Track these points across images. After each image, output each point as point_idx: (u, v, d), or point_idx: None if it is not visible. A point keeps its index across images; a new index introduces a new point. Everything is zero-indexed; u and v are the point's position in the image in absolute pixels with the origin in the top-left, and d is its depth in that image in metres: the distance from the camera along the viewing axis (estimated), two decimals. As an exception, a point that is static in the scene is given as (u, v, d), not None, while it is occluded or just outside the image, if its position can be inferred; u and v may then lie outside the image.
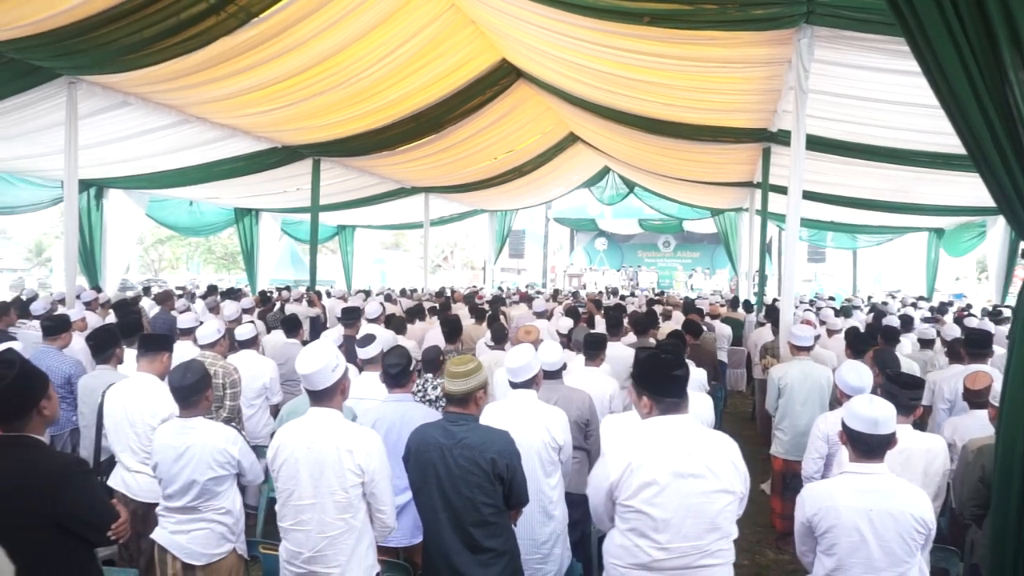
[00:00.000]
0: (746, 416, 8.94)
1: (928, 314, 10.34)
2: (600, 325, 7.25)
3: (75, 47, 6.16)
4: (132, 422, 3.56)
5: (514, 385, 3.22)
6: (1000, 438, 2.10)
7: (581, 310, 8.92)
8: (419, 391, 3.93)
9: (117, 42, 6.16)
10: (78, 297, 7.84)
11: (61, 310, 6.76)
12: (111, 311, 8.00)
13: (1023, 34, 1.74)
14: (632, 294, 16.69)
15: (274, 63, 7.32)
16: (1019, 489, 2.01)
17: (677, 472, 2.35)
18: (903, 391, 2.99)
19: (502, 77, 9.96)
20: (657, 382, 2.45)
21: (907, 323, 7.61)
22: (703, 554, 2.36)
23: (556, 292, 16.62)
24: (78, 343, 5.16)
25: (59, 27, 5.77)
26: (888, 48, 5.14)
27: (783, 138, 8.22)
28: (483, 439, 2.64)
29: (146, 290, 14.06)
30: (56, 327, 4.85)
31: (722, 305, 11.85)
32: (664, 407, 2.44)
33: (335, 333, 5.58)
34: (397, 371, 3.32)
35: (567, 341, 5.62)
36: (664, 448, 2.38)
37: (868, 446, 2.41)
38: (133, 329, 4.96)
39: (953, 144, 6.92)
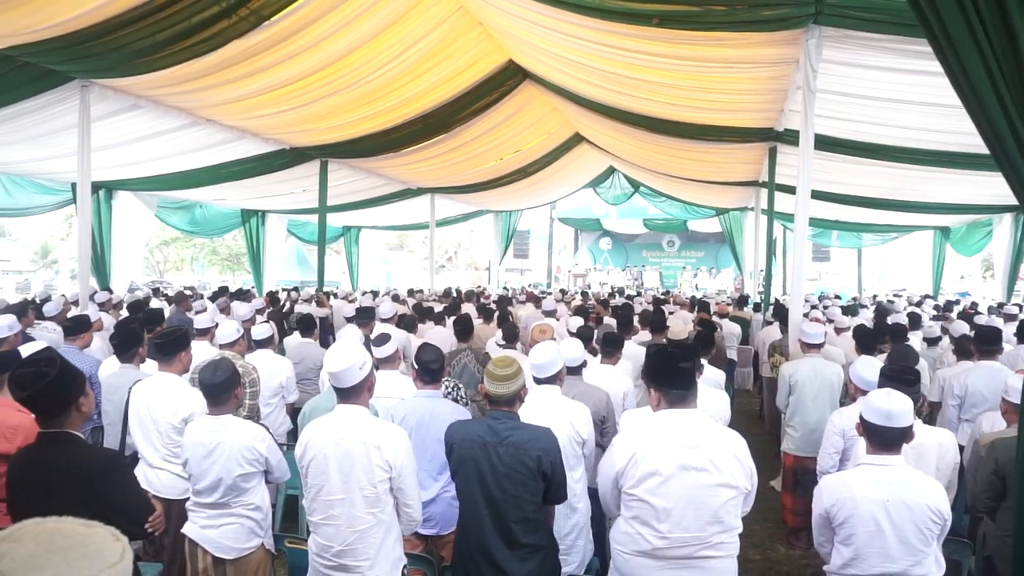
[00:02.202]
0: (754, 414, 8.99)
1: (934, 312, 10.38)
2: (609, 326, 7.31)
3: (89, 51, 6.23)
4: (154, 420, 3.64)
5: (538, 381, 3.28)
6: (1022, 432, 2.14)
7: (590, 311, 8.97)
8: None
9: (130, 46, 6.23)
10: (91, 298, 7.91)
11: (74, 311, 6.84)
12: (124, 311, 8.07)
13: None
14: (638, 293, 16.74)
15: (284, 66, 7.39)
16: None
17: (680, 464, 2.42)
18: (906, 389, 3.00)
19: (509, 78, 10.02)
20: (663, 374, 2.54)
21: (915, 321, 7.65)
22: (704, 545, 2.43)
23: (563, 292, 16.68)
24: (97, 343, 5.22)
25: (73, 31, 5.84)
26: (895, 48, 5.19)
27: (790, 137, 8.27)
28: (528, 437, 2.70)
29: (155, 291, 14.14)
30: (76, 327, 4.92)
31: (729, 304, 11.91)
32: (671, 399, 2.52)
33: (357, 333, 5.64)
34: (436, 368, 3.39)
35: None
36: (669, 440, 2.46)
37: (885, 439, 2.46)
38: (158, 321, 5.01)
39: (959, 143, 7.02)
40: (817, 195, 10.53)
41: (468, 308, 9.77)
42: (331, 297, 12.38)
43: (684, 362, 2.51)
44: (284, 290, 14.05)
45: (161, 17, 5.92)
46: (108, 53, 6.35)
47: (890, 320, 7.22)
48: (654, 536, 2.45)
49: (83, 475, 2.30)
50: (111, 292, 9.91)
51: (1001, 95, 1.88)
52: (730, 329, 8.87)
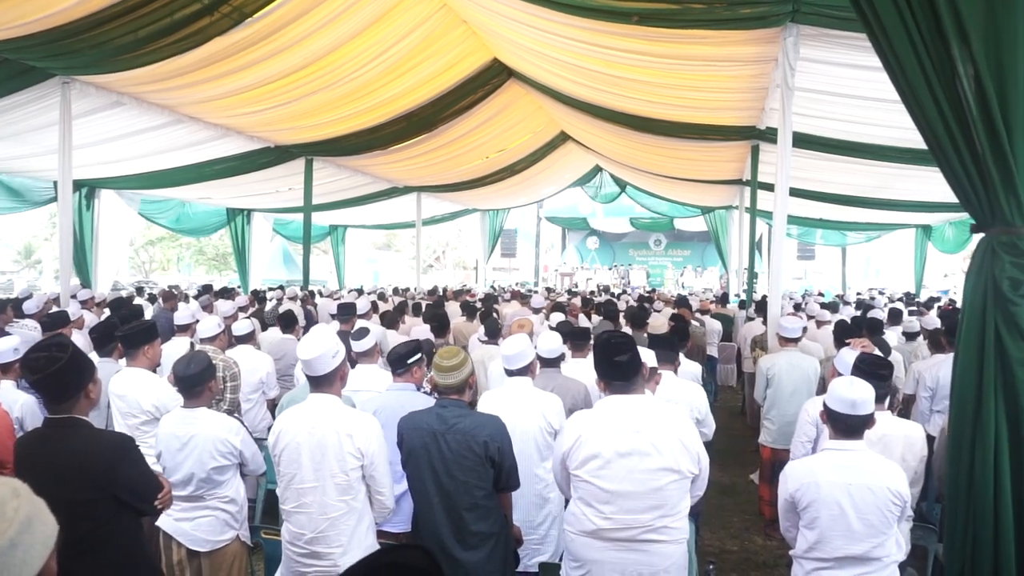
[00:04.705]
0: (736, 410, 9.06)
1: (914, 308, 10.51)
2: (586, 323, 7.39)
3: (70, 47, 6.21)
4: (123, 413, 3.69)
5: (510, 373, 3.32)
6: (951, 425, 2.20)
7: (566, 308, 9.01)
8: None
9: (111, 42, 6.21)
10: (74, 296, 7.87)
11: (55, 310, 6.81)
12: (106, 310, 8.04)
13: (969, 29, 1.86)
14: (624, 292, 16.84)
15: (267, 63, 7.39)
16: (967, 483, 2.11)
17: (622, 447, 2.47)
18: (878, 383, 3.05)
19: (493, 76, 10.05)
20: (604, 366, 2.61)
21: (895, 316, 7.76)
22: (647, 529, 2.47)
23: (549, 291, 16.75)
24: (78, 340, 5.20)
25: (54, 27, 5.82)
26: (871, 46, 5.25)
27: (771, 135, 8.34)
28: (475, 423, 2.75)
29: (139, 290, 14.07)
30: (54, 323, 4.92)
31: (712, 301, 11.99)
32: (614, 389, 2.59)
33: (335, 327, 5.67)
34: (393, 359, 3.40)
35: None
36: (613, 424, 2.52)
37: (847, 426, 2.52)
38: (137, 318, 5.01)
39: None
40: (800, 193, 10.64)
41: (453, 306, 9.82)
42: (316, 296, 12.37)
43: (619, 356, 2.55)
44: (270, 289, 14.02)
45: (142, 13, 5.91)
46: (89, 49, 6.33)
47: (869, 315, 7.31)
48: (598, 517, 2.51)
49: (100, 459, 2.35)
50: (92, 290, 9.85)
51: (932, 87, 1.95)
52: (712, 326, 8.94)
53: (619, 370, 2.56)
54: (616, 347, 2.58)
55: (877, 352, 3.88)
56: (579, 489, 2.57)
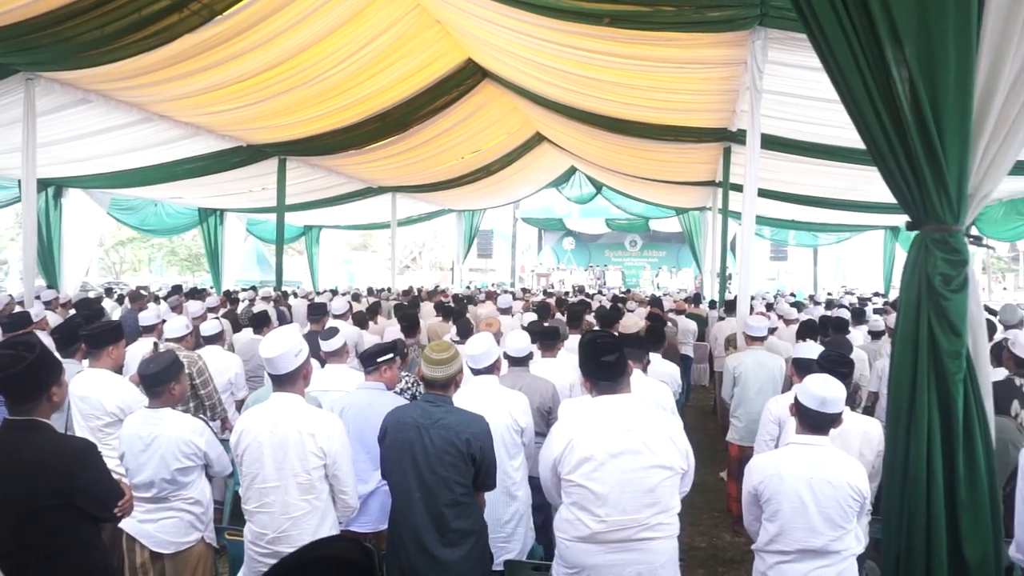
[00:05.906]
0: (708, 409, 9.16)
1: (879, 307, 10.70)
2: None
3: (34, 43, 6.09)
4: (84, 415, 3.63)
5: (475, 371, 3.33)
6: (889, 417, 2.26)
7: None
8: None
9: (77, 38, 6.11)
10: (38, 297, 7.73)
11: (19, 311, 6.68)
12: (72, 310, 7.89)
13: (902, 33, 1.93)
14: (600, 292, 16.94)
15: (238, 61, 7.32)
16: (902, 473, 2.17)
17: (615, 448, 2.48)
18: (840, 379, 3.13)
19: (468, 77, 10.05)
20: (591, 366, 2.61)
21: (859, 315, 7.90)
22: (642, 527, 2.48)
23: (525, 291, 16.79)
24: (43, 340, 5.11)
25: (18, 22, 5.71)
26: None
27: (742, 137, 8.44)
28: (460, 420, 2.75)
29: (108, 291, 13.84)
30: (16, 323, 4.82)
31: (686, 301, 12.11)
32: (600, 389, 2.60)
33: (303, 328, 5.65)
34: (364, 357, 3.39)
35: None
36: (604, 425, 2.52)
37: (814, 421, 2.57)
38: (98, 318, 4.93)
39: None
40: (770, 194, 10.79)
41: (428, 307, 9.81)
42: (291, 296, 12.27)
43: (606, 356, 2.56)
44: (243, 290, 13.88)
45: (109, 9, 5.83)
46: (54, 45, 6.22)
47: (832, 314, 7.44)
48: (593, 520, 2.49)
49: (60, 464, 2.29)
50: (57, 291, 9.67)
51: (869, 88, 2.01)
52: (686, 326, 9.02)
53: (606, 370, 2.56)
54: (603, 347, 2.58)
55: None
56: (572, 494, 2.55)
